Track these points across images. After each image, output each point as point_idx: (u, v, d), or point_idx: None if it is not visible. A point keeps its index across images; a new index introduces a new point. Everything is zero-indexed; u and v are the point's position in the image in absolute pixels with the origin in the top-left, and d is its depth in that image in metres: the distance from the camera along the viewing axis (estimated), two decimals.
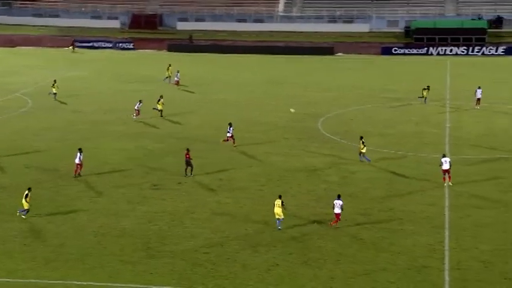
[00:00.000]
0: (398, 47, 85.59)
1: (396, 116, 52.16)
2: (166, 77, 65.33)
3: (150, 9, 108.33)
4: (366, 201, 34.12)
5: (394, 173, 38.63)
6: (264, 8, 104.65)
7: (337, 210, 30.71)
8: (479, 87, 53.50)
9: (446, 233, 30.24)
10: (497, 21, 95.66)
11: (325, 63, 78.04)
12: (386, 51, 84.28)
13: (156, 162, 41.04)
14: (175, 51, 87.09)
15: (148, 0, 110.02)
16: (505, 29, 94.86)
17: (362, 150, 39.92)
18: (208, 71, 72.60)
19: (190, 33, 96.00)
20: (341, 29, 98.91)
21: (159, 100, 51.88)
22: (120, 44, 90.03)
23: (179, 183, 37.36)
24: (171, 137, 46.57)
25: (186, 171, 38.26)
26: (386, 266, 27.21)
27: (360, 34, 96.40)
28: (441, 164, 36.01)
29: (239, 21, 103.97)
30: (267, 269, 27.26)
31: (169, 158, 41.84)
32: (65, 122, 50.62)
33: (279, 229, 30.66)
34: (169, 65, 66.23)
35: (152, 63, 79.49)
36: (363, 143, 39.97)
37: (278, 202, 30.74)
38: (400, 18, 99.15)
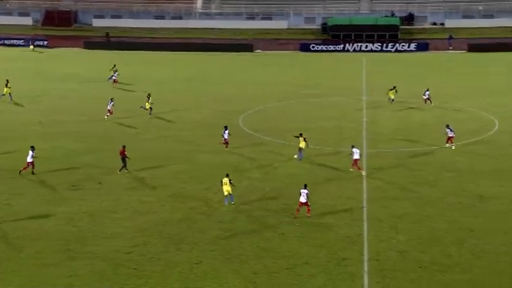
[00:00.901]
0: (316, 44, 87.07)
1: (316, 112, 53.04)
2: (111, 77, 64.05)
3: (63, 5, 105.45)
4: (288, 197, 34.56)
5: (314, 168, 39.29)
6: (182, 5, 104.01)
7: (302, 199, 31.63)
8: (427, 90, 53.88)
9: (365, 225, 31.05)
10: (409, 18, 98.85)
11: (245, 60, 78.46)
12: (305, 47, 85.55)
13: (76, 161, 40.14)
14: (92, 49, 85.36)
15: None
16: (416, 26, 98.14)
17: (300, 146, 40.22)
18: (126, 69, 71.50)
19: (107, 30, 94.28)
20: (260, 26, 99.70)
21: (148, 99, 50.82)
22: (34, 42, 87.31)
23: (99, 182, 36.71)
24: (92, 136, 45.69)
25: (122, 168, 37.94)
26: (308, 260, 27.68)
27: (279, 31, 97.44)
28: (351, 154, 37.58)
29: (157, 18, 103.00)
30: (190, 266, 27.19)
31: (90, 156, 41.03)
32: None
33: (232, 204, 32.89)
34: (114, 65, 64.84)
35: (69, 61, 77.66)
36: (304, 139, 40.28)
37: (226, 180, 32.64)
38: (317, 15, 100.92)
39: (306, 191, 31.82)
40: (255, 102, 55.93)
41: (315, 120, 50.38)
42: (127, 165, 38.10)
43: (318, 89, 61.24)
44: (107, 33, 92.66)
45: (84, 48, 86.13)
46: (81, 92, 61.03)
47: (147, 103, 50.94)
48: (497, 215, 31.87)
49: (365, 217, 31.91)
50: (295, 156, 40.45)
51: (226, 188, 32.91)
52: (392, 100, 54.49)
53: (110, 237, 29.89)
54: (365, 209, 32.92)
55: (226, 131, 42.31)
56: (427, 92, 54.01)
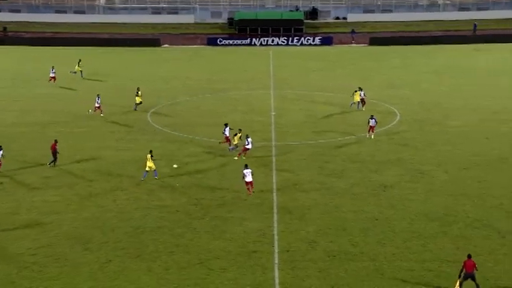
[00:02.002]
0: (223, 38, 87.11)
1: (224, 106, 53.07)
2: (75, 72, 62.05)
3: None
4: (198, 191, 34.45)
5: (224, 161, 39.30)
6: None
7: (248, 179, 33.31)
8: (361, 89, 51.80)
9: (275, 217, 31.41)
10: (313, 13, 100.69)
11: (152, 55, 77.44)
12: (212, 42, 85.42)
13: None
14: None
15: None
16: (320, 20, 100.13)
17: (234, 142, 40.22)
18: (28, 66, 69.06)
19: (4, 24, 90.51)
20: (166, 21, 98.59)
21: (137, 93, 50.30)
22: None
23: (1, 183, 35.26)
24: None
25: (51, 162, 37.53)
26: (219, 254, 27.71)
27: (185, 25, 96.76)
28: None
29: (58, 12, 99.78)
30: (99, 266, 26.61)
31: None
32: None
33: (156, 178, 35.25)
34: (80, 60, 62.53)
35: None
36: (239, 134, 40.38)
37: (148, 156, 35.06)
38: (223, 9, 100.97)
39: (249, 170, 33.43)
40: (164, 97, 55.32)
41: (223, 114, 50.39)
42: (57, 160, 37.55)
43: (227, 83, 61.31)
44: (4, 28, 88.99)
45: None
46: None
47: (137, 97, 50.48)
48: (399, 203, 33.03)
49: (275, 209, 32.27)
50: (230, 148, 40.59)
51: (149, 164, 35.16)
52: (353, 103, 50.41)
53: (13, 239, 28.79)
54: (275, 201, 33.28)
55: (227, 129, 41.26)
56: (362, 92, 50.78)
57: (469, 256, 24.81)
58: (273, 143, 42.91)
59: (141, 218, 31.22)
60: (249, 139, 39.38)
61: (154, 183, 35.56)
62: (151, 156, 35.47)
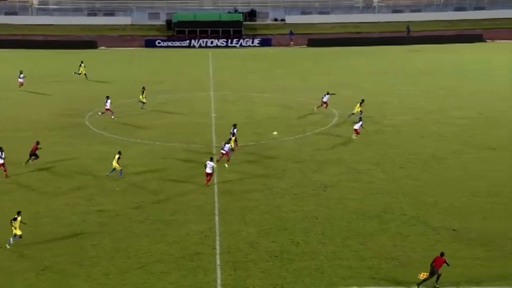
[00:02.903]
0: (162, 40, 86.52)
1: (165, 108, 52.66)
2: (79, 73, 61.36)
3: None
4: (140, 195, 34.12)
5: (166, 164, 39.02)
6: (16, 1, 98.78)
7: (208, 170, 34.72)
8: (327, 93, 51.60)
9: (217, 219, 31.40)
10: (251, 14, 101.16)
11: (89, 57, 76.12)
12: (150, 43, 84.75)
13: None
14: None
15: None
16: (258, 22, 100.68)
17: (232, 145, 39.67)
18: None
19: None
20: (102, 22, 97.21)
21: (142, 93, 50.51)
22: None
23: None
24: None
25: (27, 161, 37.86)
26: (160, 257, 27.52)
27: (123, 27, 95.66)
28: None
29: None
30: (36, 274, 26.02)
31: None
32: None
33: (122, 177, 35.82)
34: (82, 62, 61.35)
35: None
36: (233, 135, 40.50)
37: (116, 156, 35.76)
38: (161, 10, 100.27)
39: (211, 163, 34.68)
40: (101, 100, 54.41)
41: (164, 115, 50.03)
42: (31, 161, 37.86)
43: (166, 85, 60.90)
44: None
45: None
46: None
47: (141, 96, 50.59)
48: (338, 203, 33.54)
49: (216, 211, 32.27)
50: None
51: (114, 164, 35.97)
52: (353, 113, 47.75)
53: None
54: (216, 203, 33.27)
55: (235, 130, 41.21)
56: (327, 96, 50.54)
57: (442, 254, 25.52)
58: (214, 144, 42.89)
59: (79, 223, 30.69)
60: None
61: (94, 185, 35.01)
62: (119, 157, 36.02)
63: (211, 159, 35.30)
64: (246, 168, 38.60)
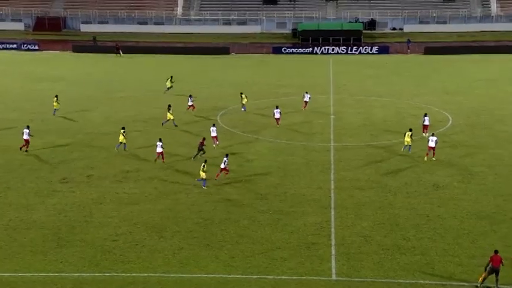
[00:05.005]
0: (287, 47, 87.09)
1: (287, 109, 52.96)
2: (168, 88, 58.82)
3: (53, 12, 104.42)
4: (262, 187, 34.57)
5: (286, 160, 39.29)
6: (163, 11, 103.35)
7: (222, 166, 34.87)
8: (306, 92, 52.32)
9: (332, 212, 31.19)
10: (371, 24, 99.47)
11: (222, 62, 78.20)
12: (277, 50, 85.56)
13: (64, 157, 39.70)
14: (80, 52, 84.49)
15: (52, 3, 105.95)
16: (377, 31, 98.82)
17: (407, 140, 39.70)
18: (112, 71, 70.99)
19: (94, 35, 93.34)
20: (235, 31, 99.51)
21: (169, 109, 46.44)
22: (26, 45, 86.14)
23: (88, 176, 36.37)
24: (79, 133, 45.24)
25: (195, 156, 38.67)
26: (280, 245, 27.74)
27: (253, 35, 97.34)
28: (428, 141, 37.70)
29: (140, 24, 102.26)
30: (172, 252, 27.09)
31: (77, 152, 40.60)
32: None
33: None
34: (171, 76, 59.74)
35: (59, 63, 76.70)
36: (410, 135, 39.85)
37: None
38: (288, 20, 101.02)
39: (226, 159, 34.80)
40: (232, 100, 55.65)
41: (286, 116, 50.28)
42: (198, 155, 38.49)
43: (291, 88, 61.25)
44: (94, 37, 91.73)
45: (73, 51, 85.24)
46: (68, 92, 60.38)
47: (168, 113, 48.49)
48: (450, 202, 32.24)
49: (332, 205, 32.06)
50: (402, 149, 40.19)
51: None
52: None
53: (98, 226, 29.66)
54: (332, 198, 33.06)
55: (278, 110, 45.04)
56: (308, 95, 50.87)
57: (496, 251, 24.14)
58: (332, 144, 42.61)
59: (210, 210, 31.60)
60: (432, 137, 38.21)
61: (225, 176, 35.87)
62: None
63: (227, 156, 35.47)
64: (360, 167, 37.95)
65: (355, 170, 37.39)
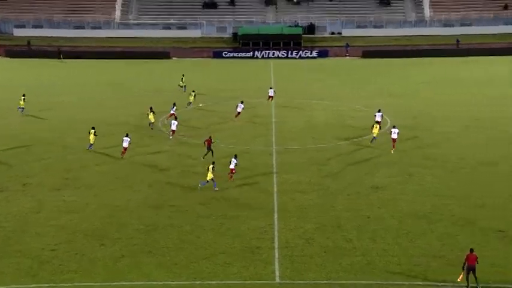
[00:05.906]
0: (228, 51, 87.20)
1: (229, 113, 52.98)
2: (181, 86, 60.12)
3: None
4: (207, 193, 34.39)
5: (225, 164, 39.11)
6: (101, 16, 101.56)
7: (231, 166, 35.31)
8: (271, 87, 56.02)
9: (275, 216, 31.37)
10: (310, 28, 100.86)
11: (163, 67, 77.55)
12: (218, 54, 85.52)
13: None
14: (14, 57, 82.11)
15: None
16: (317, 35, 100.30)
17: (375, 132, 41.38)
18: (47, 75, 69.23)
19: (28, 39, 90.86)
20: (175, 35, 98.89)
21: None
22: None
23: (24, 184, 35.30)
24: (16, 139, 43.90)
25: (205, 155, 39.02)
26: (224, 249, 27.70)
27: (193, 39, 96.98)
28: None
29: (77, 28, 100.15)
30: (114, 260, 26.62)
31: (14, 159, 39.37)
32: None
33: (216, 189, 34.20)
34: (183, 75, 60.97)
35: None
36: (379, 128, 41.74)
37: (210, 167, 34.13)
38: (228, 24, 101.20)
39: (235, 160, 35.14)
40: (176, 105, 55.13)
41: (228, 120, 50.33)
42: (207, 155, 39.00)
43: (232, 92, 61.25)
44: (29, 42, 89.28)
45: (6, 56, 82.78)
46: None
47: (191, 96, 52.73)
48: (389, 203, 32.98)
49: (275, 209, 32.24)
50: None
51: (209, 175, 34.14)
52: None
53: (35, 235, 28.85)
54: (275, 201, 33.25)
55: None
56: (272, 90, 55.49)
57: (472, 250, 24.77)
58: (274, 147, 42.89)
59: (151, 216, 31.21)
60: (394, 129, 39.84)
61: (165, 181, 35.51)
62: (213, 167, 34.17)
63: (235, 157, 35.64)
64: (302, 170, 38.34)
65: (297, 173, 37.73)
